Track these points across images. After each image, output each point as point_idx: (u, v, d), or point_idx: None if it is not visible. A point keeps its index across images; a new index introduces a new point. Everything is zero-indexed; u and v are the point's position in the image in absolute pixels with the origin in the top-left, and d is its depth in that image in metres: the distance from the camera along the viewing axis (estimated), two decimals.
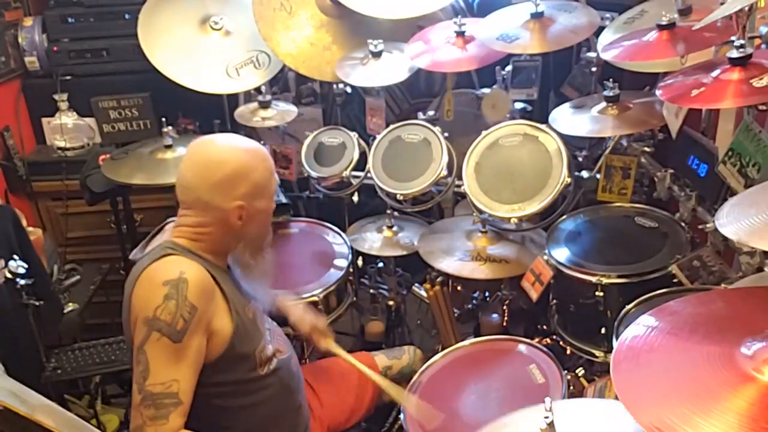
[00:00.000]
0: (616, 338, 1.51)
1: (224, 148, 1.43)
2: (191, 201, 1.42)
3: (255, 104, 2.39)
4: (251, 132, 2.63)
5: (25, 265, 1.92)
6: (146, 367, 1.29)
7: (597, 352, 1.75)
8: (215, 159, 1.41)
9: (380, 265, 2.42)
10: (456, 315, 2.22)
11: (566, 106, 2.03)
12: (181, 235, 1.43)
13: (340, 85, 2.49)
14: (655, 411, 0.87)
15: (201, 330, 1.33)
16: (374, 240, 2.34)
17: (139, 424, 1.28)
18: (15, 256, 1.93)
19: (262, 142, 2.61)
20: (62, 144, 2.79)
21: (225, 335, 1.39)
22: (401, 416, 1.60)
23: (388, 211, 2.34)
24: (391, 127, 2.22)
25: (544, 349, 1.68)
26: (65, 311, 2.40)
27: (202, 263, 1.39)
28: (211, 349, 1.37)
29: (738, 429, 0.81)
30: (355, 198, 2.33)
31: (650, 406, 0.88)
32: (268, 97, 2.38)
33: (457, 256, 2.07)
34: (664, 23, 1.55)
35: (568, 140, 1.93)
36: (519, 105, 2.24)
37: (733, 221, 1.06)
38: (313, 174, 2.30)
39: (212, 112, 2.63)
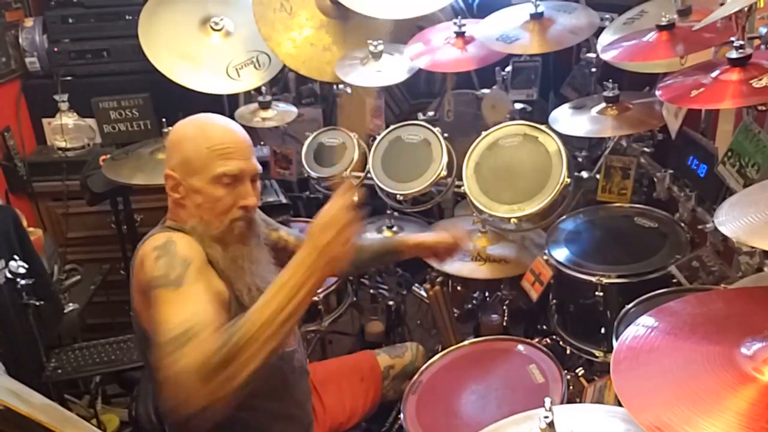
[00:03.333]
0: (616, 338, 1.51)
1: (184, 120, 1.45)
2: None
3: (255, 105, 2.40)
4: (251, 132, 2.62)
5: (26, 266, 1.93)
6: (158, 322, 1.19)
7: (597, 352, 1.75)
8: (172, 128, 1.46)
9: None
10: (456, 315, 2.22)
11: (566, 106, 2.03)
12: (169, 216, 1.45)
13: (340, 86, 2.49)
14: (655, 411, 0.87)
15: (203, 279, 1.28)
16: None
17: (170, 369, 1.11)
18: (15, 257, 1.94)
19: (262, 142, 2.62)
20: (63, 144, 2.79)
21: (224, 297, 1.35)
22: (401, 416, 1.60)
23: (388, 211, 2.34)
24: (391, 127, 2.22)
25: (544, 349, 1.68)
26: (65, 311, 2.40)
27: (196, 238, 1.36)
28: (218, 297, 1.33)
29: (738, 429, 0.81)
30: (355, 198, 2.32)
31: (650, 406, 0.88)
32: (269, 98, 2.39)
33: (457, 256, 2.07)
34: (663, 24, 1.56)
35: (567, 141, 1.93)
36: (519, 105, 2.24)
37: (732, 220, 1.07)
38: (313, 174, 2.30)
39: (212, 113, 2.63)
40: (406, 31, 2.34)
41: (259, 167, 1.44)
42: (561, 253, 1.82)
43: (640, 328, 1.04)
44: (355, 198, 1.26)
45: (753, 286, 1.34)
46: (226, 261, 1.39)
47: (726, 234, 1.06)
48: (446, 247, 1.85)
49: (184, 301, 1.21)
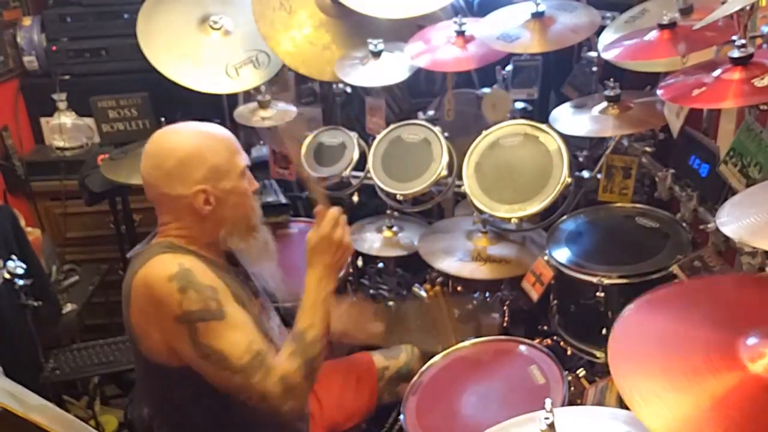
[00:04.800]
0: None
1: (173, 136, 1.42)
2: (156, 198, 1.42)
3: (254, 104, 2.38)
4: (251, 132, 2.62)
5: (24, 266, 1.92)
6: (220, 353, 1.31)
7: (598, 353, 1.74)
8: (166, 148, 1.40)
9: (380, 265, 2.41)
10: (456, 316, 2.22)
11: (567, 105, 2.02)
12: (166, 234, 1.42)
13: (340, 85, 2.48)
14: (636, 376, 0.89)
15: (230, 299, 1.36)
16: (374, 240, 2.33)
17: (259, 390, 1.32)
18: (13, 257, 1.93)
19: (261, 142, 2.61)
20: (61, 144, 2.78)
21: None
22: (401, 417, 1.59)
23: (388, 211, 2.33)
24: (391, 127, 2.21)
25: (545, 349, 1.67)
26: (64, 312, 2.40)
27: (198, 258, 1.38)
28: None
29: (706, 410, 0.81)
30: (355, 198, 2.32)
31: (633, 371, 0.90)
32: (268, 97, 2.38)
33: (458, 257, 2.06)
34: (665, 22, 1.55)
35: (568, 140, 1.92)
36: (519, 105, 2.23)
37: (734, 221, 1.06)
38: (313, 174, 2.29)
39: (211, 112, 2.62)
40: (406, 30, 2.33)
41: None
42: (562, 254, 1.82)
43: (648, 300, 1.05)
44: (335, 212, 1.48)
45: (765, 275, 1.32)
46: (259, 246, 1.50)
47: (728, 234, 1.05)
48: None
49: (236, 329, 1.33)
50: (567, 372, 1.62)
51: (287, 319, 1.65)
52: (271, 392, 1.33)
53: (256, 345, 1.34)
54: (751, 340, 0.90)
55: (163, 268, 1.32)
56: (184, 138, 1.40)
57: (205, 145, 1.40)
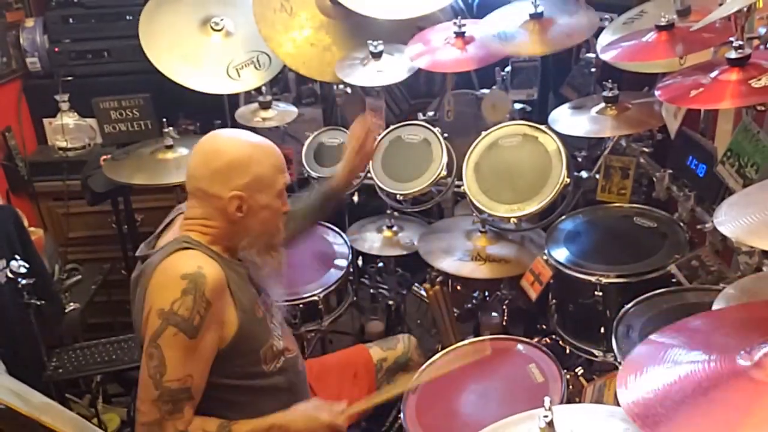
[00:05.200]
0: (615, 338, 1.52)
1: (229, 139, 1.45)
2: (193, 190, 1.43)
3: (255, 105, 2.40)
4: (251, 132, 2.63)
5: (27, 265, 1.93)
6: (161, 363, 1.31)
7: (596, 352, 1.75)
8: (218, 148, 1.42)
9: (380, 265, 2.42)
10: (456, 315, 2.23)
11: (565, 106, 2.03)
12: (190, 228, 1.43)
13: (341, 86, 2.50)
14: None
15: (214, 325, 1.35)
16: (374, 240, 2.35)
17: (156, 418, 1.32)
18: (16, 256, 1.94)
19: None
20: (63, 144, 2.79)
21: (231, 330, 1.40)
22: (401, 416, 1.60)
23: (388, 211, 2.35)
24: (391, 127, 2.23)
25: (544, 348, 1.68)
26: (66, 311, 2.41)
27: (216, 259, 1.39)
28: (220, 340, 1.39)
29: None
30: (355, 198, 2.33)
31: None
32: (269, 98, 2.39)
33: (457, 256, 2.07)
34: (662, 24, 1.56)
35: (567, 141, 1.94)
36: (518, 105, 2.25)
37: (732, 220, 1.07)
38: (314, 174, 2.31)
39: (213, 113, 2.64)
40: (406, 31, 2.34)
41: None
42: (560, 253, 1.83)
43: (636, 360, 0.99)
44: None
45: (726, 307, 1.30)
46: (273, 266, 1.51)
47: (725, 234, 1.06)
48: (363, 146, 1.84)
49: (191, 357, 1.33)
50: (565, 370, 1.63)
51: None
52: None
53: (190, 382, 1.33)
54: (746, 360, 0.87)
55: (184, 263, 1.34)
56: (239, 144, 1.43)
57: (256, 156, 1.42)
